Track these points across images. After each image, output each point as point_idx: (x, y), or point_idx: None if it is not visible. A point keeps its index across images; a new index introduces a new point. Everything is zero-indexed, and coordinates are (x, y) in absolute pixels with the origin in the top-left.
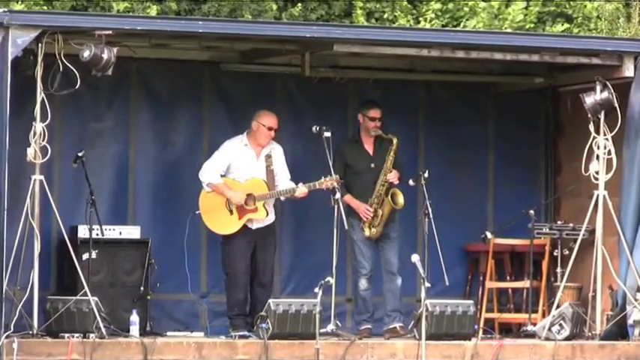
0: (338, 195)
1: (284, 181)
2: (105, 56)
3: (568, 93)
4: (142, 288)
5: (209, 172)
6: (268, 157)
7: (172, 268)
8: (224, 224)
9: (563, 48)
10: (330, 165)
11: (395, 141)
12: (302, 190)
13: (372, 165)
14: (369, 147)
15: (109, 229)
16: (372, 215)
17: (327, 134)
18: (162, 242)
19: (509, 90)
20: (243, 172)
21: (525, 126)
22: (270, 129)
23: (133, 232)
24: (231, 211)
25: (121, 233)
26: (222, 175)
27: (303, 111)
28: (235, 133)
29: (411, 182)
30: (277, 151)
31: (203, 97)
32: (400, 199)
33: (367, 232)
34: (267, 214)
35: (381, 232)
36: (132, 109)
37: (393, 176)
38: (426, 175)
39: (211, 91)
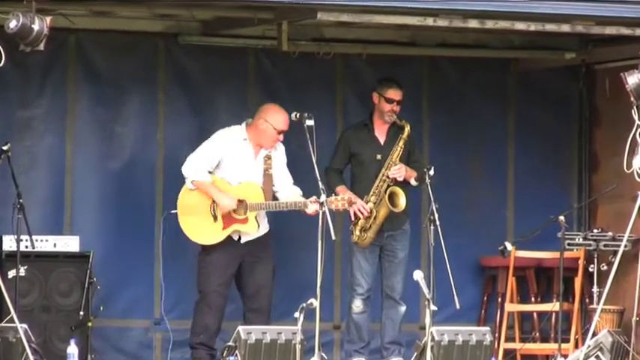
0: (323, 197)
1: (286, 187)
2: (35, 27)
3: (606, 71)
4: (81, 313)
5: (195, 166)
6: (267, 158)
7: (119, 287)
8: (204, 232)
9: (599, 16)
10: (314, 160)
11: (407, 129)
12: (316, 207)
13: (379, 156)
14: (380, 134)
15: (41, 240)
16: (366, 214)
17: (310, 122)
18: (107, 256)
19: (533, 68)
20: (236, 173)
21: (553, 112)
22: (280, 132)
23: (70, 243)
24: (215, 217)
25: (55, 245)
26: (209, 172)
27: (280, 94)
28: (197, 121)
29: (413, 182)
30: (279, 152)
31: (157, 77)
32: (400, 200)
33: (355, 237)
34: (259, 227)
35: (372, 239)
36: (69, 92)
37: (396, 171)
38: (432, 172)
39: (167, 70)
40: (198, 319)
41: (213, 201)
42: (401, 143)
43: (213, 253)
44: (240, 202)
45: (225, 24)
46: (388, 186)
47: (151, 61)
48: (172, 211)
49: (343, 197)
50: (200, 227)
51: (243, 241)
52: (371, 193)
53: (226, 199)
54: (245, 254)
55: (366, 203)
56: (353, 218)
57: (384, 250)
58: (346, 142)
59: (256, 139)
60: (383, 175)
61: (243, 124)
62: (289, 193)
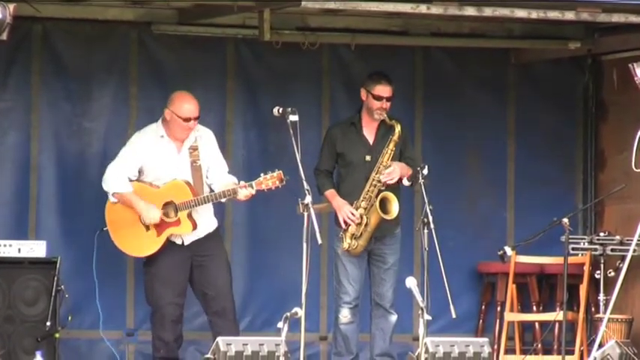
0: (308, 198)
1: (219, 177)
2: None
3: (613, 63)
4: (48, 323)
5: (114, 178)
6: (193, 149)
7: (88, 296)
8: (140, 244)
9: (606, 2)
10: (298, 159)
11: (397, 129)
12: (246, 191)
13: (368, 157)
14: (369, 133)
15: (5, 245)
16: (356, 221)
17: (294, 118)
18: (75, 263)
19: (535, 59)
20: (162, 173)
21: (557, 107)
22: (186, 120)
23: (36, 248)
24: (147, 227)
25: (20, 251)
26: (132, 180)
27: (262, 87)
28: None
29: (405, 182)
30: (205, 138)
31: (129, 69)
32: (392, 206)
33: (345, 245)
34: (195, 227)
35: (364, 247)
36: (34, 85)
37: (387, 174)
38: (426, 171)
39: (140, 61)
40: (155, 334)
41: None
42: (391, 145)
43: (155, 263)
44: (168, 203)
45: (202, 12)
46: (380, 191)
47: (122, 52)
48: (104, 229)
49: (273, 175)
50: (134, 240)
51: (187, 242)
52: (361, 198)
53: (150, 212)
54: (193, 255)
55: (357, 209)
56: (343, 226)
57: (372, 255)
58: (332, 141)
59: (171, 133)
60: (373, 179)
61: (159, 120)
62: (222, 184)
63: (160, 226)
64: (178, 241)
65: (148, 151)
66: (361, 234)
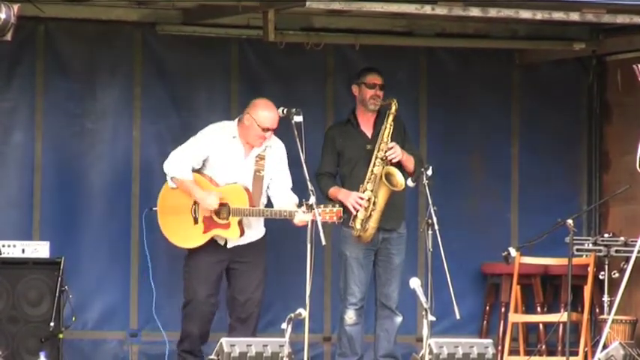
0: (312, 199)
1: (280, 193)
2: (2, 16)
3: (618, 63)
4: (52, 324)
5: (177, 163)
6: (260, 158)
7: (92, 296)
8: (184, 235)
9: (611, 3)
10: (302, 159)
11: (394, 103)
12: (303, 217)
13: (368, 146)
14: (367, 128)
15: (9, 246)
16: (365, 204)
17: (298, 118)
18: (79, 263)
19: (539, 60)
20: (223, 172)
21: (561, 108)
22: (265, 130)
23: (40, 249)
24: (195, 220)
25: (24, 251)
26: (194, 170)
27: (266, 87)
28: (176, 117)
29: (410, 182)
30: (275, 151)
31: (133, 69)
32: (397, 178)
33: (356, 232)
34: (242, 234)
35: (374, 230)
36: (38, 86)
37: (392, 151)
38: (430, 172)
39: (144, 62)
40: (183, 326)
41: (195, 202)
42: (390, 119)
43: (195, 258)
44: (223, 205)
45: (207, 12)
46: (383, 168)
47: (126, 52)
48: (154, 208)
49: (332, 210)
50: (179, 229)
51: (229, 245)
52: (366, 180)
53: (208, 198)
54: (231, 260)
55: (363, 192)
56: (354, 212)
57: (378, 256)
58: (332, 141)
59: (245, 136)
60: (376, 158)
61: (236, 120)
62: (283, 200)
63: (209, 224)
64: (221, 242)
65: (216, 148)
66: (370, 215)
